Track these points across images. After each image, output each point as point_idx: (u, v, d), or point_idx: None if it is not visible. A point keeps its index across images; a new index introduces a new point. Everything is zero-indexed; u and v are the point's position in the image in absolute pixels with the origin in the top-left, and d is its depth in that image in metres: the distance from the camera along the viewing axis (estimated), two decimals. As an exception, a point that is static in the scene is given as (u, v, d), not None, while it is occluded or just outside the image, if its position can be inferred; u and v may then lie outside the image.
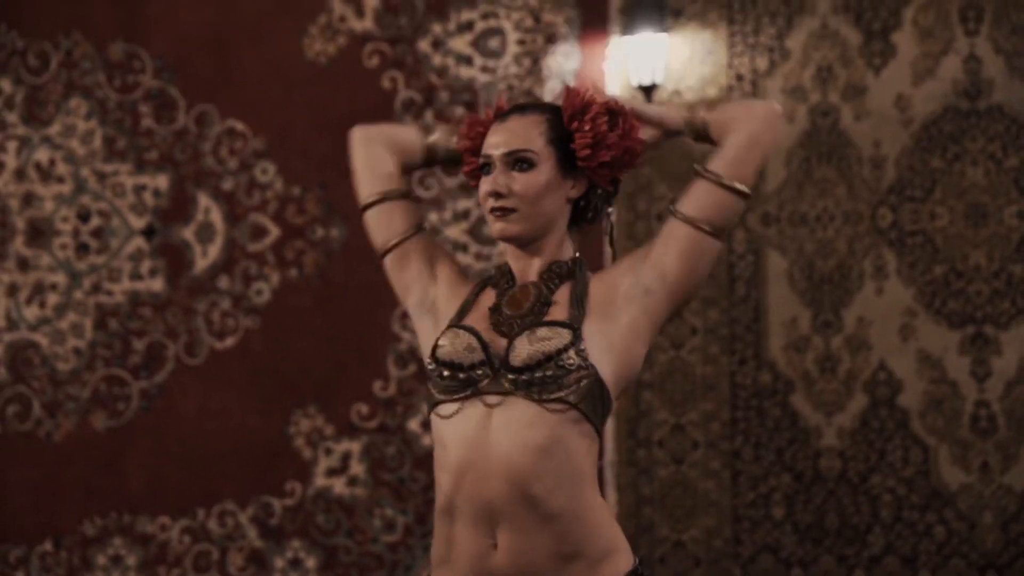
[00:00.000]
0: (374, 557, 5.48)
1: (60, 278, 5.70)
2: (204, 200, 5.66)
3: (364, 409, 5.51)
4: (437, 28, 5.57)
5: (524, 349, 2.20)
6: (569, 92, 2.39)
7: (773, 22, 5.39)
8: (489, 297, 2.37)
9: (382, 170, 2.45)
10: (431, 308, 2.39)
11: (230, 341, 5.58)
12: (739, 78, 5.42)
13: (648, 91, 5.37)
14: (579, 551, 2.18)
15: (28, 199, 5.72)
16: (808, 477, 5.31)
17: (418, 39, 5.59)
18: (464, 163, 2.48)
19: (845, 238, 5.31)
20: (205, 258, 5.64)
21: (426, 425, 5.50)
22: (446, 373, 2.24)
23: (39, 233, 5.72)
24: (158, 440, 5.56)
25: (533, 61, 5.54)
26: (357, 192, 2.50)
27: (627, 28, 5.38)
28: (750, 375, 5.35)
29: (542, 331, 2.21)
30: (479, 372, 2.22)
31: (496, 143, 2.35)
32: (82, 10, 5.70)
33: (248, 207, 5.64)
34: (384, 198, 2.44)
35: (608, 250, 2.50)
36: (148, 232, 5.68)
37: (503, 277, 2.38)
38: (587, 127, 2.34)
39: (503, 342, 2.26)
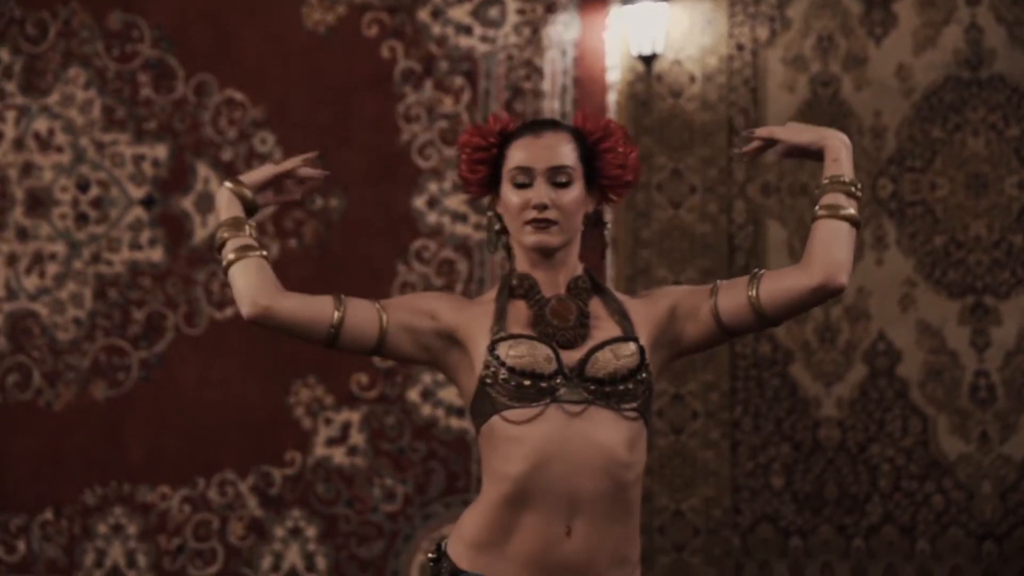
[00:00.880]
0: (374, 526, 5.50)
1: (59, 248, 5.69)
2: (203, 170, 5.64)
3: (364, 379, 5.51)
4: (437, -3, 5.56)
5: (610, 363, 2.37)
6: (587, 115, 2.52)
7: (774, -9, 5.38)
8: (520, 308, 2.45)
9: (314, 314, 2.49)
10: (452, 339, 2.46)
11: (230, 311, 5.58)
12: (739, 48, 5.40)
13: (648, 61, 5.36)
14: (628, 557, 2.44)
15: (27, 169, 5.71)
16: (807, 447, 5.32)
17: (417, 8, 5.56)
18: (470, 178, 2.52)
19: (845, 208, 5.29)
20: (204, 228, 5.63)
21: (425, 396, 5.51)
22: (526, 383, 2.36)
23: (38, 203, 5.71)
24: (158, 410, 5.57)
25: (533, 31, 5.52)
26: (312, 340, 2.51)
27: (627, -3, 5.37)
28: (749, 345, 5.35)
29: (623, 348, 2.38)
30: (557, 381, 2.37)
31: (539, 157, 2.44)
32: (80, -21, 5.68)
33: (247, 177, 5.62)
34: (340, 324, 2.46)
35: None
36: (147, 202, 5.67)
37: (530, 289, 2.45)
38: (620, 149, 2.50)
39: (568, 353, 2.39)
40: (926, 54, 5.31)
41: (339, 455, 5.51)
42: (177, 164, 5.66)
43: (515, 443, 2.38)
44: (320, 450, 5.52)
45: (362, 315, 2.45)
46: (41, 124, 5.71)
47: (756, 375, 5.34)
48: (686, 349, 2.49)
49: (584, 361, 2.38)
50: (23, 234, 5.70)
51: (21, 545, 5.63)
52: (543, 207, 2.42)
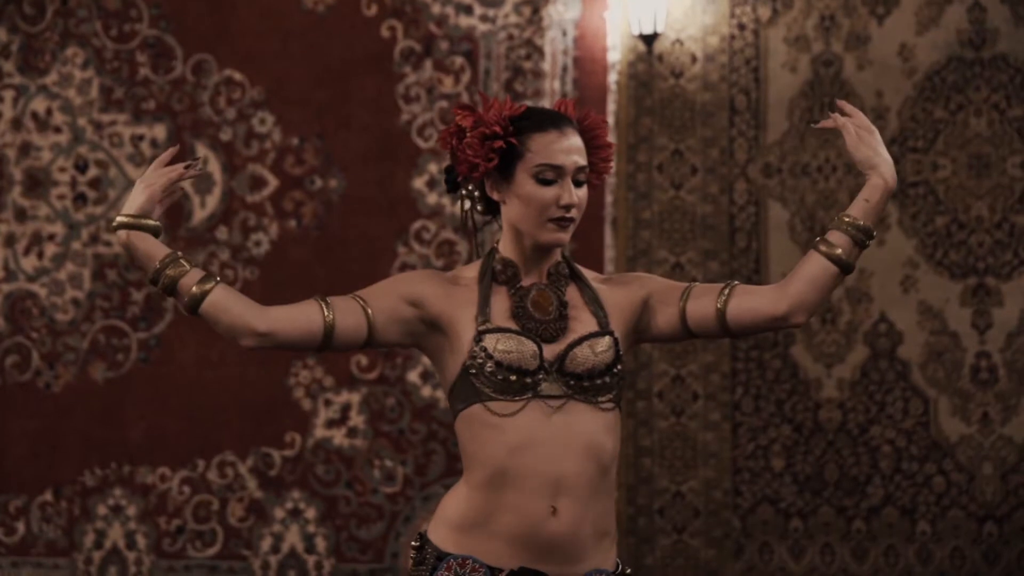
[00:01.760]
0: (373, 508, 5.49)
1: (58, 228, 5.67)
2: (202, 150, 5.63)
3: (364, 360, 5.51)
4: (436, -24, 5.53)
5: (588, 359, 2.44)
6: (592, 113, 2.55)
7: (776, -30, 5.35)
8: (502, 294, 2.48)
9: (307, 325, 2.47)
10: (436, 325, 2.47)
11: (229, 292, 5.56)
12: (741, 27, 5.37)
13: (649, 40, 5.33)
14: (607, 530, 2.46)
15: (25, 149, 5.69)
16: (808, 428, 5.31)
17: (417, -13, 5.54)
18: (483, 165, 2.49)
19: (847, 189, 5.28)
20: (203, 209, 5.62)
21: (425, 377, 5.50)
22: (512, 378, 2.42)
23: (36, 183, 5.69)
24: (157, 391, 5.56)
25: (533, 10, 5.49)
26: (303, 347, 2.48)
27: (628, -24, 5.34)
28: (750, 326, 5.33)
29: (599, 343, 2.45)
30: (539, 376, 2.43)
31: (569, 157, 2.47)
32: (78, -42, 5.66)
33: (246, 157, 5.61)
34: (332, 331, 2.46)
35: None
36: (146, 182, 5.65)
37: (512, 277, 2.49)
38: (607, 143, 2.54)
39: (548, 347, 2.45)
40: (929, 33, 5.28)
41: (339, 436, 5.50)
42: (176, 144, 5.63)
43: (498, 431, 2.42)
44: (320, 431, 5.51)
45: (350, 316, 2.45)
46: (39, 104, 5.69)
47: (757, 356, 5.33)
48: (650, 340, 2.57)
49: (563, 357, 2.44)
50: (21, 215, 5.68)
51: (20, 526, 5.63)
52: (571, 207, 2.46)
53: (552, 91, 5.44)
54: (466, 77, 5.52)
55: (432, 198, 5.51)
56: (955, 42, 5.27)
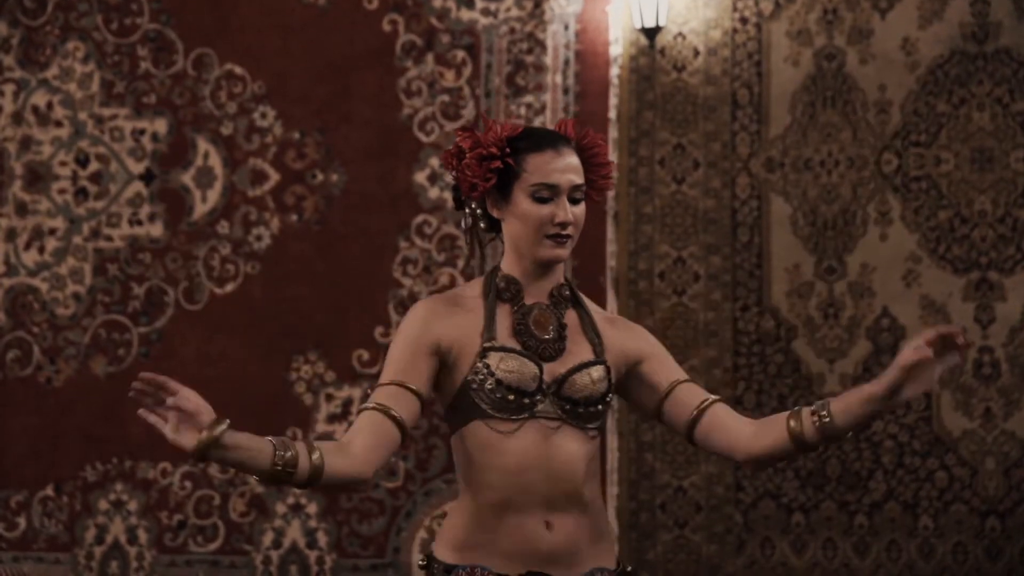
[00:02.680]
0: (375, 503, 5.49)
1: (59, 223, 5.67)
2: (203, 145, 5.62)
3: (365, 355, 5.50)
4: (438, -30, 5.52)
5: (586, 387, 2.55)
6: (591, 132, 2.63)
7: (778, -36, 5.34)
8: (505, 311, 2.59)
9: (391, 444, 2.57)
10: (448, 353, 2.58)
11: (230, 287, 5.56)
12: (743, 21, 5.36)
13: (651, 34, 5.32)
14: (602, 534, 2.60)
15: (26, 143, 5.69)
16: (810, 423, 5.29)
17: (418, -19, 5.53)
18: (482, 185, 2.57)
19: (849, 183, 5.27)
20: (204, 203, 5.61)
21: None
22: (511, 397, 2.53)
23: (37, 177, 5.69)
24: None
25: (535, 4, 5.48)
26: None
27: (630, -30, 5.33)
28: (753, 321, 5.33)
29: (596, 372, 2.55)
30: (537, 397, 2.54)
31: (564, 176, 2.56)
32: (78, -48, 5.65)
33: (247, 152, 5.60)
34: (404, 433, 2.57)
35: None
36: (147, 177, 5.65)
37: (516, 295, 2.59)
38: (607, 160, 2.64)
39: (548, 367, 2.56)
40: (932, 27, 5.27)
41: (340, 432, 5.50)
42: (177, 139, 5.64)
43: (496, 452, 2.54)
44: (321, 426, 5.51)
45: (407, 408, 2.56)
46: (40, 98, 5.68)
47: (759, 351, 5.33)
48: (622, 395, 2.67)
49: (562, 381, 2.55)
50: (22, 209, 5.68)
51: (22, 521, 5.62)
52: (566, 224, 2.55)
53: (554, 85, 5.44)
54: (468, 71, 5.51)
55: (434, 192, 5.51)
56: (958, 36, 5.26)
